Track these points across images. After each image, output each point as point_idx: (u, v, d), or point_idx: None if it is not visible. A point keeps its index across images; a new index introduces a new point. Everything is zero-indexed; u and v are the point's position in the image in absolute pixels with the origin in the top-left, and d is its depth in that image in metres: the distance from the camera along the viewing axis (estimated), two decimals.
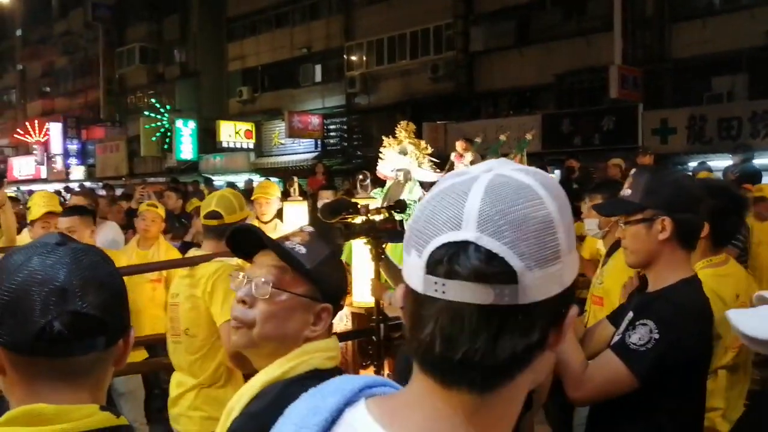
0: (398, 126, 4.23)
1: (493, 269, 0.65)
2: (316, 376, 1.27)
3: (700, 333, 1.84)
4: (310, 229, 1.49)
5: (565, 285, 0.68)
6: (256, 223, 5.12)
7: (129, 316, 1.10)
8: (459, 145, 5.87)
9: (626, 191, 1.93)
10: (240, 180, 18.98)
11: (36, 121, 31.95)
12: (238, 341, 1.42)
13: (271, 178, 17.74)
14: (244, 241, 1.49)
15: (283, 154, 22.31)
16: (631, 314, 1.91)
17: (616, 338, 1.91)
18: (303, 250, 1.41)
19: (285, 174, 19.66)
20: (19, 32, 36.10)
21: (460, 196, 0.68)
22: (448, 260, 0.66)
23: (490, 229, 0.66)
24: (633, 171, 2.01)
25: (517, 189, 0.68)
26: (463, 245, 0.66)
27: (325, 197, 5.53)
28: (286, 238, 1.45)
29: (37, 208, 4.14)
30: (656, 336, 1.75)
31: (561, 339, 0.69)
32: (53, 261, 1.00)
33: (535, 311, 0.66)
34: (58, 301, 0.96)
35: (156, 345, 4.21)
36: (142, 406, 4.32)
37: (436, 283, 0.67)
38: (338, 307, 1.49)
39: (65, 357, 0.99)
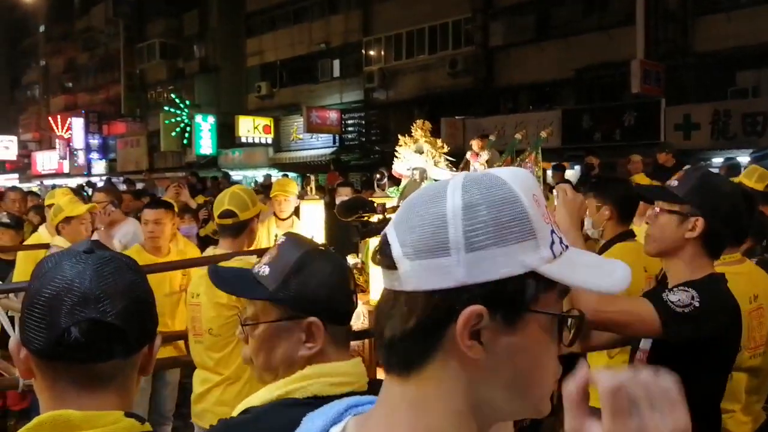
0: (414, 125, 4.20)
1: (384, 256, 0.71)
2: (311, 404, 1.07)
3: (733, 318, 1.87)
4: (283, 239, 1.37)
5: (462, 282, 0.67)
6: (273, 220, 5.13)
7: (155, 323, 1.10)
8: (475, 144, 5.79)
9: (673, 182, 1.96)
10: (258, 175, 19.07)
11: (59, 116, 32.38)
12: (255, 376, 1.39)
13: (289, 173, 17.82)
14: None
15: (301, 149, 22.37)
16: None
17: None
18: (266, 270, 1.28)
19: (303, 169, 19.72)
20: (42, 29, 36.60)
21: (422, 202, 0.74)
22: (382, 251, 0.73)
23: (395, 221, 0.73)
24: (688, 167, 2.06)
25: (429, 187, 0.74)
26: (384, 237, 0.73)
27: (344, 194, 5.52)
28: (261, 260, 1.34)
29: (75, 206, 4.18)
30: (697, 304, 1.76)
31: (462, 338, 0.67)
32: (79, 269, 1.01)
33: (414, 300, 0.69)
34: (78, 309, 0.98)
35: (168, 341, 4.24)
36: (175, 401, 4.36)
37: (388, 275, 0.73)
38: (332, 315, 1.30)
39: (83, 363, 1.00)
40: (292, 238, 1.37)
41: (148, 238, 4.15)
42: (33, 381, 1.06)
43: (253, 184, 15.48)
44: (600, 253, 3.09)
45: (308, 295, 1.27)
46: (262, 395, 1.24)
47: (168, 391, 4.22)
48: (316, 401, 1.12)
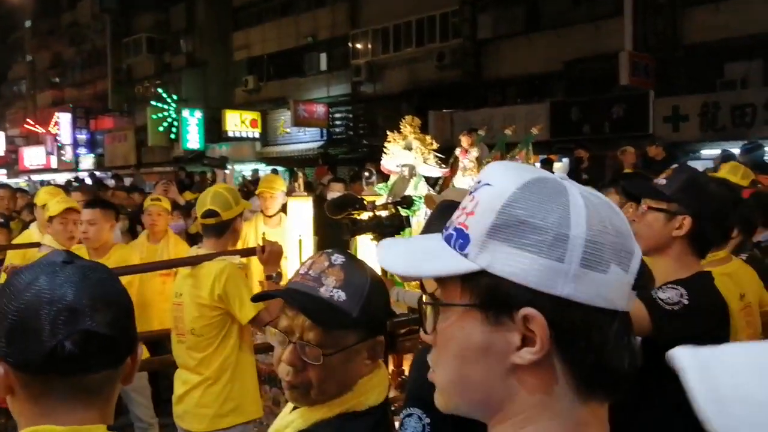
0: (403, 121, 4.16)
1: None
2: (369, 413, 1.27)
3: (721, 316, 1.89)
4: (341, 258, 1.29)
5: None
6: (260, 217, 5.08)
7: (136, 332, 1.09)
8: (464, 140, 5.72)
9: (661, 180, 1.97)
10: (246, 169, 18.97)
11: (46, 111, 32.07)
12: (296, 400, 1.30)
13: (277, 167, 17.73)
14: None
15: (288, 143, 22.28)
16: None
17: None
18: (343, 295, 1.24)
19: (291, 163, 19.63)
20: (28, 23, 36.22)
21: (613, 208, 0.72)
22: (641, 274, 0.71)
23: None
24: (676, 166, 2.07)
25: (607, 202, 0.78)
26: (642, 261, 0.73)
27: (336, 190, 5.47)
28: (318, 280, 1.26)
29: (55, 205, 4.12)
30: (686, 301, 1.78)
31: None
32: (61, 280, 0.99)
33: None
34: (68, 321, 0.96)
35: (165, 340, 4.17)
36: (151, 402, 4.31)
37: (633, 297, 0.71)
38: (386, 329, 1.35)
39: (77, 375, 0.99)
40: (350, 258, 1.32)
41: (82, 239, 4.01)
42: (9, 399, 1.01)
43: (240, 179, 15.40)
44: None
45: (381, 314, 1.31)
46: (318, 414, 1.26)
47: (139, 402, 4.17)
48: (372, 411, 1.27)
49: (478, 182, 0.75)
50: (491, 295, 0.70)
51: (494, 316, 0.70)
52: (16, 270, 1.06)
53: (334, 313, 1.22)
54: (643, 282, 0.72)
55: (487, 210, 0.70)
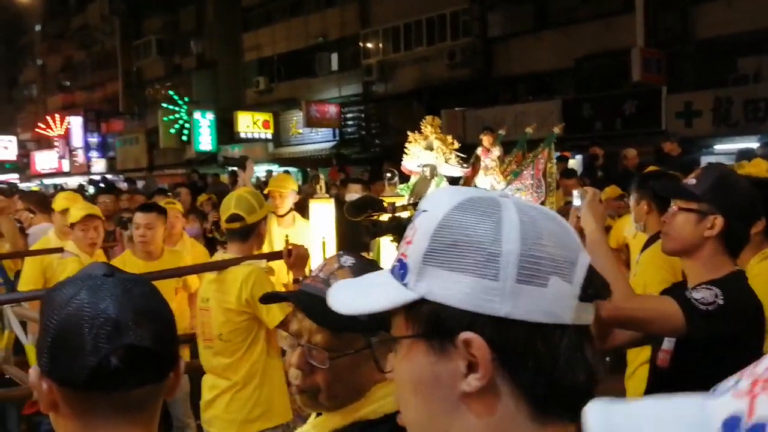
0: (423, 121, 4.17)
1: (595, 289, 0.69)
2: (385, 422, 1.22)
3: (756, 316, 1.87)
4: (351, 260, 1.27)
5: None
6: (273, 218, 5.07)
7: (178, 346, 1.09)
8: (486, 139, 5.71)
9: (691, 180, 1.96)
10: (260, 170, 19.00)
11: (57, 115, 32.31)
12: (306, 404, 1.28)
13: (289, 168, 17.78)
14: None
15: (301, 144, 22.31)
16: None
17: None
18: None
19: (304, 164, 19.67)
20: (38, 27, 36.45)
21: (556, 220, 0.69)
22: (590, 284, 0.66)
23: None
24: (705, 165, 2.08)
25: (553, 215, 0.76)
26: (590, 267, 0.67)
27: (354, 191, 5.47)
28: (327, 282, 1.24)
29: (76, 211, 4.15)
30: (721, 302, 1.77)
31: None
32: (103, 294, 0.98)
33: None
34: (111, 335, 0.95)
35: (183, 344, 4.20)
36: (188, 400, 4.32)
37: (587, 309, 0.66)
38: None
39: (121, 391, 0.97)
40: (360, 259, 1.30)
41: (138, 243, 4.13)
42: (52, 416, 1.01)
43: (254, 180, 15.42)
44: (645, 247, 3.13)
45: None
46: (330, 424, 1.24)
47: (175, 399, 4.19)
48: (388, 418, 1.20)
49: (419, 211, 0.72)
50: (432, 323, 0.67)
51: (439, 345, 0.67)
52: (57, 284, 1.04)
53: (340, 314, 1.22)
54: (594, 291, 0.66)
55: (422, 236, 0.68)
